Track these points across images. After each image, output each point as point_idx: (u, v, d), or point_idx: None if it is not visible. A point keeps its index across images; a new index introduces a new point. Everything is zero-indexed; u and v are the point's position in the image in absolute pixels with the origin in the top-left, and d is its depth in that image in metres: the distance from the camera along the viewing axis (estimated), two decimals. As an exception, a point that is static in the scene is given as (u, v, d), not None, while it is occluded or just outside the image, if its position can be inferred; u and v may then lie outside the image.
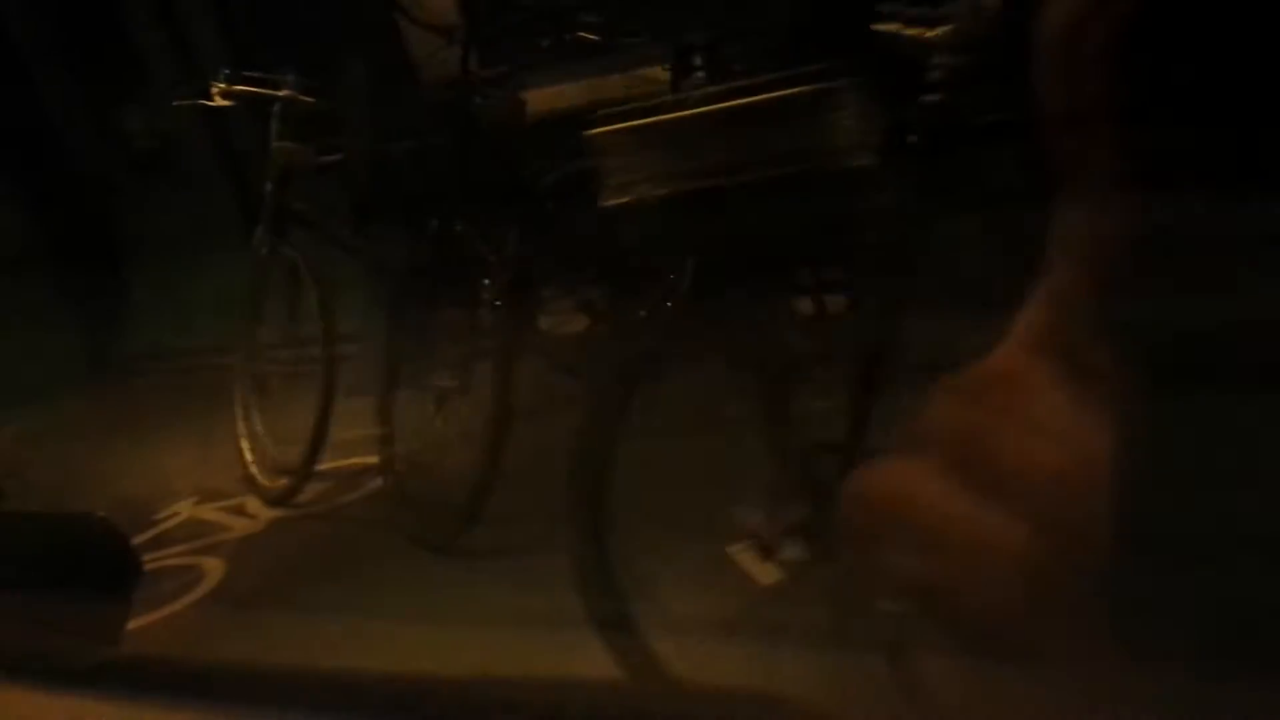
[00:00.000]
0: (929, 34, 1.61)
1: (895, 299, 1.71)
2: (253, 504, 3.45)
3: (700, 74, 2.45)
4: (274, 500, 3.38)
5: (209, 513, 3.51)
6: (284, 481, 3.36)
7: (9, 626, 0.71)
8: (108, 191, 5.74)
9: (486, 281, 2.90)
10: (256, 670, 0.75)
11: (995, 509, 0.28)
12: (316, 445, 3.25)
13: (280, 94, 3.31)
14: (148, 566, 2.81)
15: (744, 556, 2.43)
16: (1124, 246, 0.28)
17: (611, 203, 1.97)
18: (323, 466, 3.33)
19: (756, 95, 1.82)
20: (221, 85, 3.41)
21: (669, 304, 1.89)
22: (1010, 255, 1.55)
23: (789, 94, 1.79)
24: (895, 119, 1.68)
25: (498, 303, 2.88)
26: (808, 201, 1.76)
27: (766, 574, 2.36)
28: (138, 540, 3.24)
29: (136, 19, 5.27)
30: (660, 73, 2.69)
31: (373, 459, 3.11)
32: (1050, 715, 0.28)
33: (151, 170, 5.57)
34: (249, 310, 3.52)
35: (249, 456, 3.47)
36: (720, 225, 1.94)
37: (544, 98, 3.17)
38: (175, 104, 4.17)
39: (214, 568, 3.14)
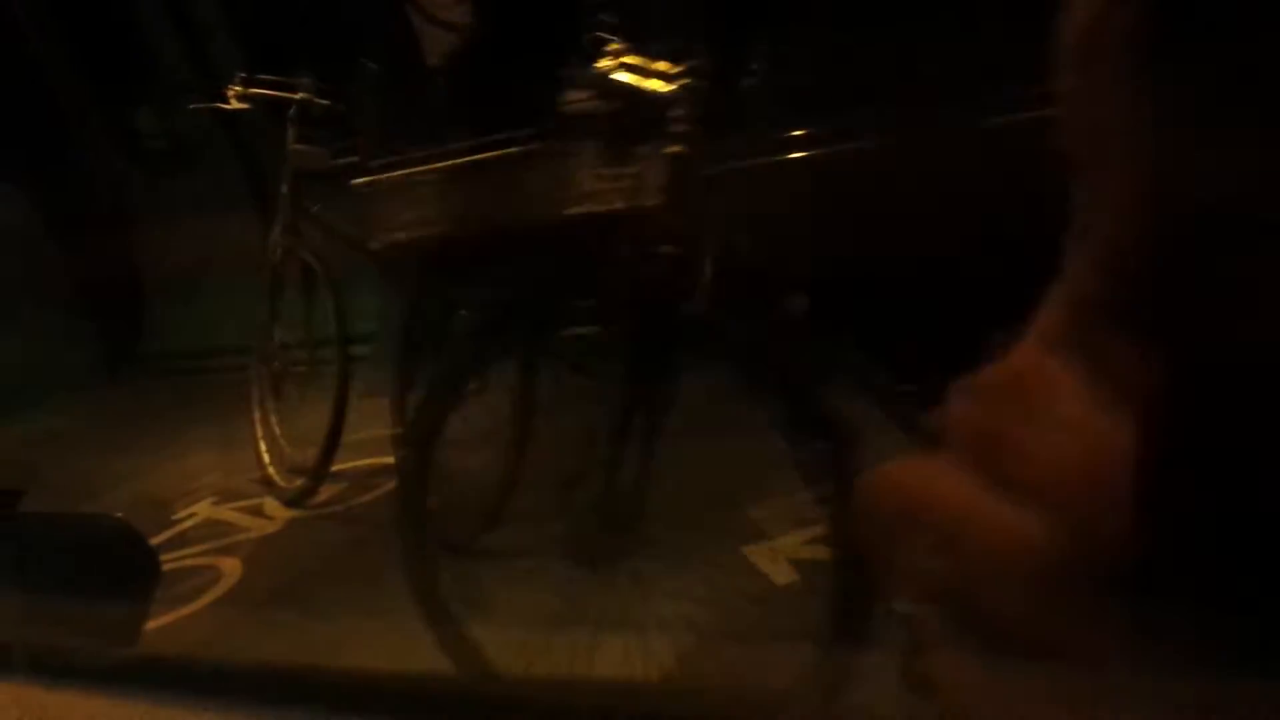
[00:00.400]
0: (663, 88, 1.70)
1: (647, 338, 1.81)
2: (270, 505, 3.46)
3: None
4: (291, 501, 3.39)
5: (226, 513, 3.53)
6: (300, 482, 3.37)
7: (28, 626, 0.72)
8: (123, 194, 5.77)
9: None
10: (273, 670, 0.75)
11: (1014, 506, 0.28)
12: (332, 446, 3.26)
13: (295, 96, 3.32)
14: (166, 567, 2.82)
15: (759, 556, 2.43)
16: (1141, 246, 0.27)
17: (379, 244, 2.21)
18: (339, 467, 3.34)
19: (499, 150, 2.02)
20: (237, 88, 3.43)
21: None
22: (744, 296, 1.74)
23: (521, 150, 1.99)
24: (636, 169, 1.79)
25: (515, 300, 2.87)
26: (563, 245, 1.93)
27: (781, 573, 2.36)
28: (156, 540, 3.26)
29: (152, 22, 5.30)
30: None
31: (388, 459, 3.12)
32: (1069, 713, 0.28)
33: (167, 173, 5.59)
34: (264, 312, 3.54)
35: (266, 457, 3.49)
36: (484, 266, 2.18)
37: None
38: (191, 107, 4.20)
39: (231, 568, 3.15)
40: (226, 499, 3.61)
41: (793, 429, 1.72)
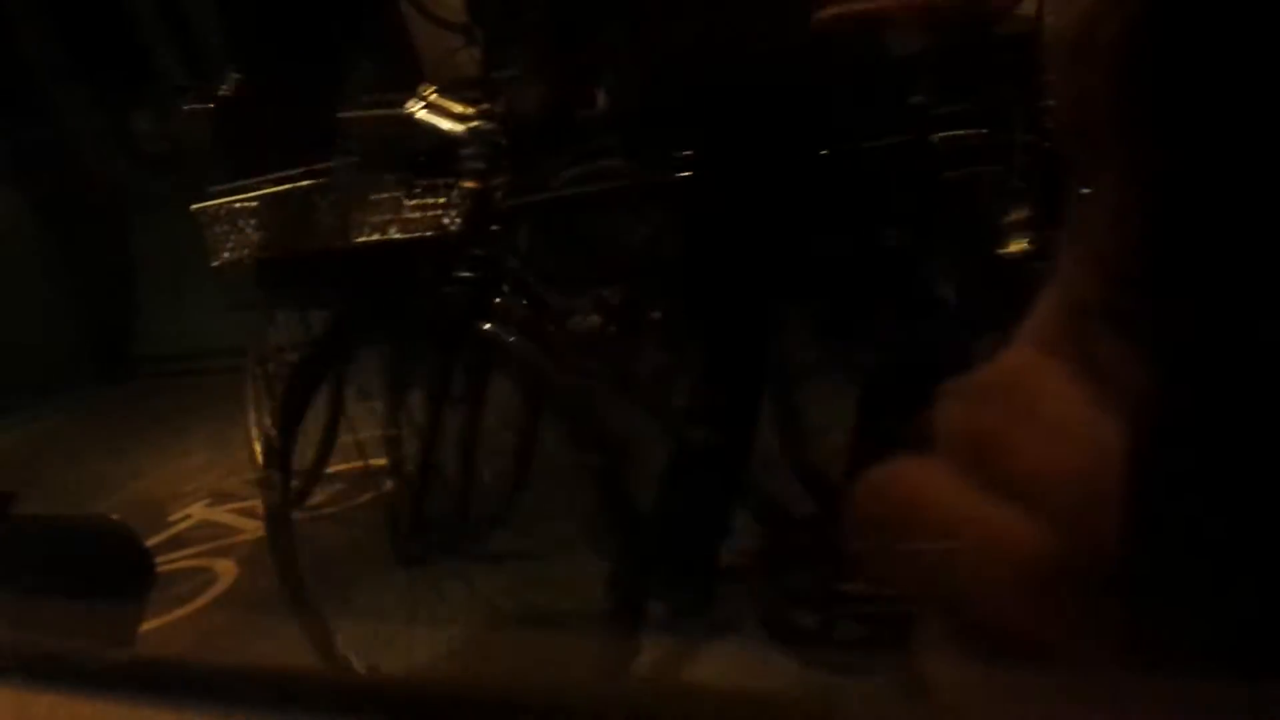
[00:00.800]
0: (458, 128, 1.92)
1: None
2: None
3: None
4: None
5: (221, 515, 3.52)
6: (295, 484, 3.36)
7: (22, 628, 0.72)
8: (117, 193, 5.76)
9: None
10: (270, 672, 0.75)
11: (1008, 508, 0.28)
12: (326, 447, 3.25)
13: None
14: (161, 568, 2.82)
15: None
16: (1133, 247, 0.28)
17: (219, 262, 2.45)
18: (333, 469, 3.33)
19: (317, 179, 2.29)
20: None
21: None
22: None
23: (336, 179, 2.25)
24: (440, 199, 2.03)
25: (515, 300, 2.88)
26: (374, 268, 2.19)
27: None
28: (151, 542, 3.25)
29: (145, 21, 5.29)
30: None
31: (383, 461, 3.12)
32: (1063, 714, 0.28)
33: (161, 172, 5.59)
34: (260, 311, 3.53)
35: (261, 459, 3.48)
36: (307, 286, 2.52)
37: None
38: (186, 107, 4.18)
39: (227, 570, 3.14)
40: (221, 500, 3.61)
41: (570, 443, 1.94)
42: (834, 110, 1.78)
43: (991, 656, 0.29)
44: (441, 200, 2.03)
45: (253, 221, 2.39)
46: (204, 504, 3.63)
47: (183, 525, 3.51)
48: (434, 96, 1.94)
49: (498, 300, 1.96)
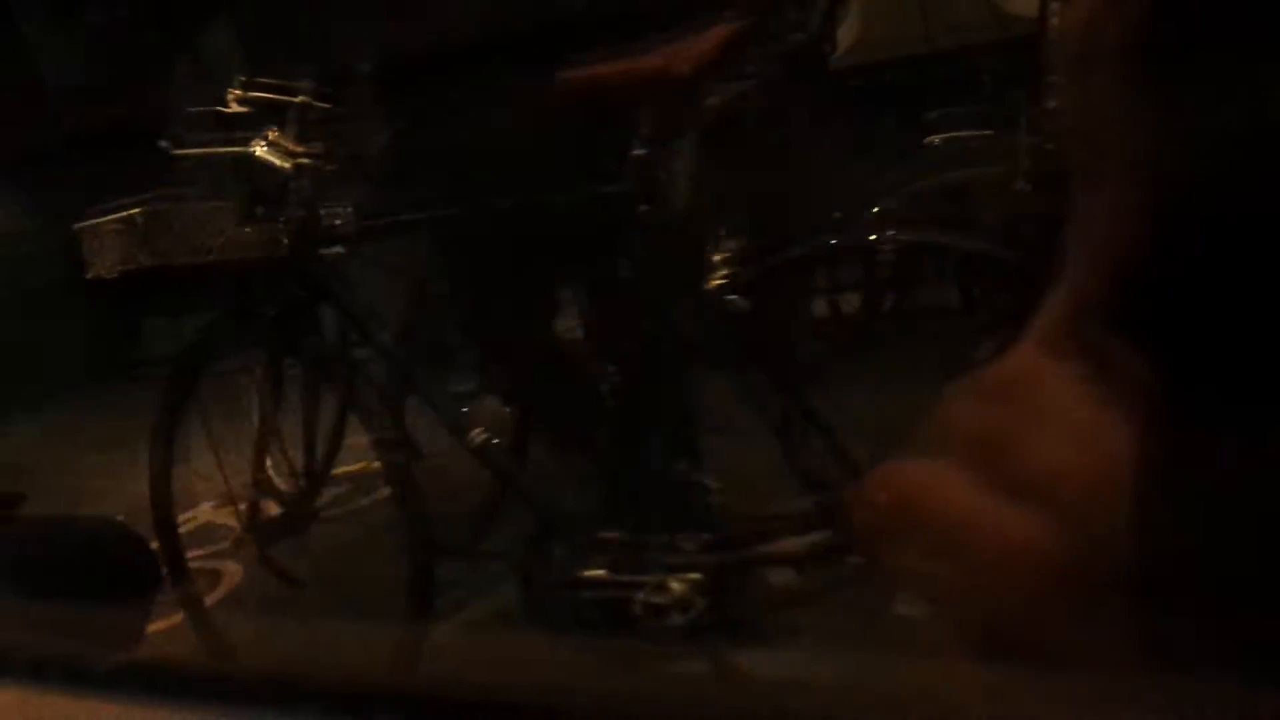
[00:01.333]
0: (286, 164, 2.30)
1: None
2: (270, 508, 3.45)
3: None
4: (291, 504, 3.38)
5: (226, 517, 3.52)
6: (301, 485, 3.36)
7: (29, 629, 0.72)
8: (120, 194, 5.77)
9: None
10: (275, 673, 0.75)
11: (1014, 509, 0.28)
12: (332, 449, 3.25)
13: (295, 99, 3.32)
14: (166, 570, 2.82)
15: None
16: (1140, 244, 0.28)
17: (91, 274, 2.91)
18: (339, 471, 3.33)
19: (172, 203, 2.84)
20: (237, 91, 3.42)
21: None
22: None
23: (189, 204, 2.80)
24: (277, 225, 2.36)
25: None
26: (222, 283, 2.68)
27: (776, 574, 2.36)
28: (156, 544, 3.25)
29: (151, 24, 5.29)
30: None
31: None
32: (1069, 716, 0.28)
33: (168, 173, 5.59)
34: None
35: (266, 461, 3.47)
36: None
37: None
38: (190, 110, 4.18)
39: (232, 571, 3.14)
40: (226, 502, 3.60)
41: (376, 447, 2.39)
42: (567, 160, 2.27)
43: (999, 657, 0.29)
44: (275, 226, 2.37)
45: (117, 240, 2.82)
46: (209, 506, 3.63)
47: (188, 527, 3.51)
48: (274, 135, 2.35)
49: (318, 318, 2.38)
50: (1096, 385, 0.28)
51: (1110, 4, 0.28)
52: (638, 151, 2.00)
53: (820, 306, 3.40)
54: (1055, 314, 0.30)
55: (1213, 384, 0.26)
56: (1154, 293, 0.27)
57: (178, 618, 2.76)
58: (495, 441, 2.27)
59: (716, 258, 1.97)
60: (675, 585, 1.91)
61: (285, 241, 2.32)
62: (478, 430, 2.23)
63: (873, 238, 2.09)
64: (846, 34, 3.66)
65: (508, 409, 2.76)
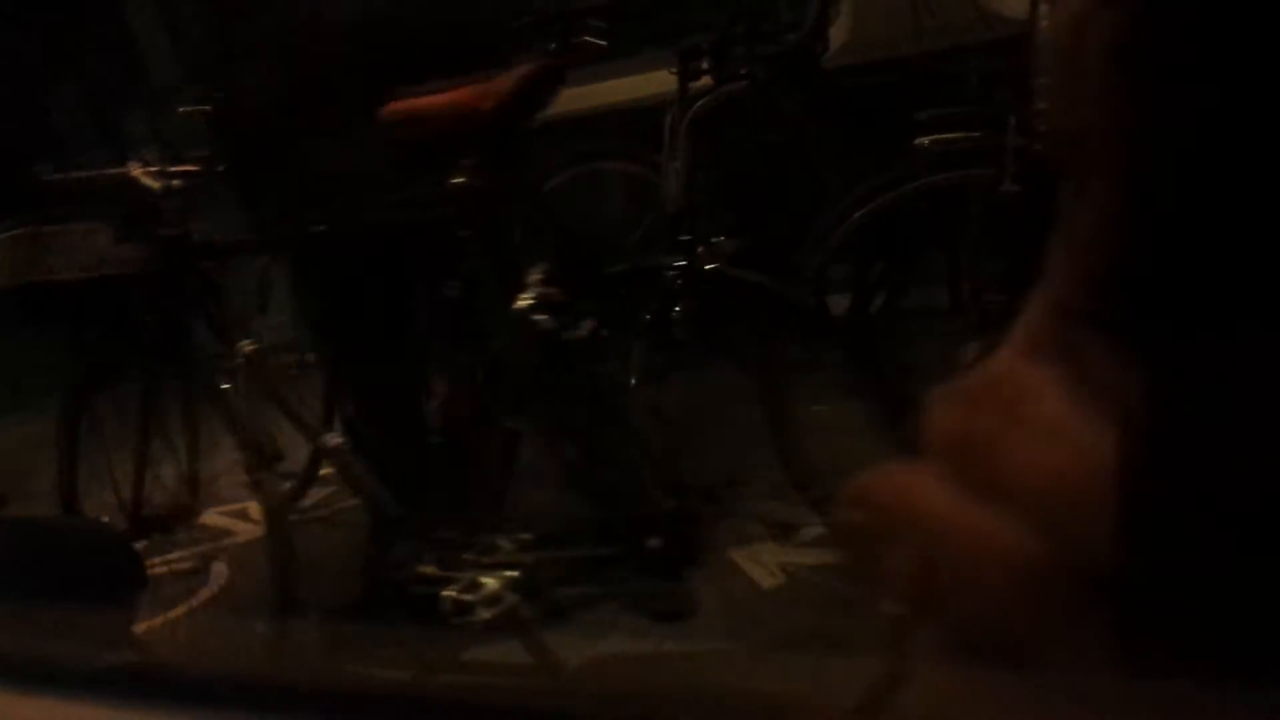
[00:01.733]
0: (156, 185, 2.42)
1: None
2: (257, 509, 3.44)
3: (706, 76, 3.10)
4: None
5: (213, 518, 3.51)
6: (288, 486, 3.35)
7: (13, 631, 0.71)
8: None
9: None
10: (262, 675, 0.75)
11: (996, 512, 0.28)
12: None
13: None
14: (153, 571, 2.81)
15: (746, 560, 2.44)
16: (1120, 252, 0.28)
17: None
18: (326, 471, 3.33)
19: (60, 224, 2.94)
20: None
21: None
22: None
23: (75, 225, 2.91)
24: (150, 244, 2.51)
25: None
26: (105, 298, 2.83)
27: (768, 577, 2.36)
28: (142, 545, 3.24)
29: (141, 25, 5.28)
30: (668, 75, 3.01)
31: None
32: (1050, 718, 0.28)
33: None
34: (253, 314, 3.53)
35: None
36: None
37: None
38: (181, 111, 4.17)
39: (219, 572, 3.14)
40: (213, 503, 3.59)
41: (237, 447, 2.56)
42: (402, 185, 2.39)
43: (980, 662, 0.29)
44: (152, 244, 2.50)
45: (39, 252, 2.99)
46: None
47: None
48: (151, 158, 2.49)
49: (188, 330, 2.56)
50: (1077, 389, 0.28)
51: (1097, 6, 0.28)
52: (456, 180, 2.15)
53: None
54: (1038, 318, 0.30)
55: (1193, 387, 0.26)
56: (1136, 296, 0.27)
57: (163, 618, 2.75)
58: (344, 445, 2.47)
59: (531, 278, 2.12)
60: (488, 582, 2.05)
61: (159, 257, 2.49)
62: (330, 434, 2.50)
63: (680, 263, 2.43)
64: (838, 34, 3.67)
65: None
